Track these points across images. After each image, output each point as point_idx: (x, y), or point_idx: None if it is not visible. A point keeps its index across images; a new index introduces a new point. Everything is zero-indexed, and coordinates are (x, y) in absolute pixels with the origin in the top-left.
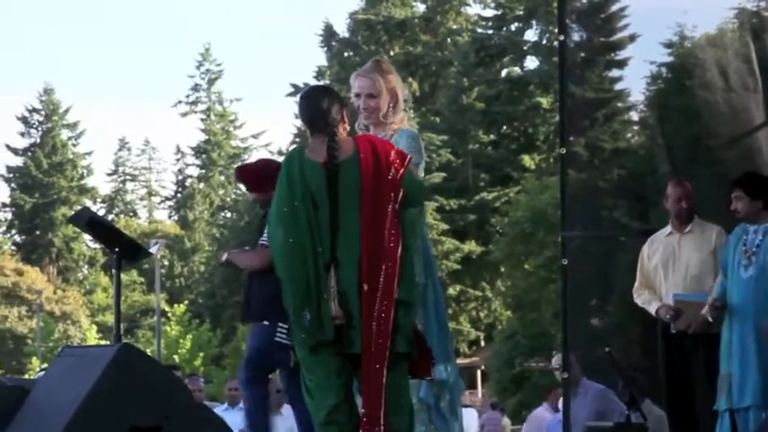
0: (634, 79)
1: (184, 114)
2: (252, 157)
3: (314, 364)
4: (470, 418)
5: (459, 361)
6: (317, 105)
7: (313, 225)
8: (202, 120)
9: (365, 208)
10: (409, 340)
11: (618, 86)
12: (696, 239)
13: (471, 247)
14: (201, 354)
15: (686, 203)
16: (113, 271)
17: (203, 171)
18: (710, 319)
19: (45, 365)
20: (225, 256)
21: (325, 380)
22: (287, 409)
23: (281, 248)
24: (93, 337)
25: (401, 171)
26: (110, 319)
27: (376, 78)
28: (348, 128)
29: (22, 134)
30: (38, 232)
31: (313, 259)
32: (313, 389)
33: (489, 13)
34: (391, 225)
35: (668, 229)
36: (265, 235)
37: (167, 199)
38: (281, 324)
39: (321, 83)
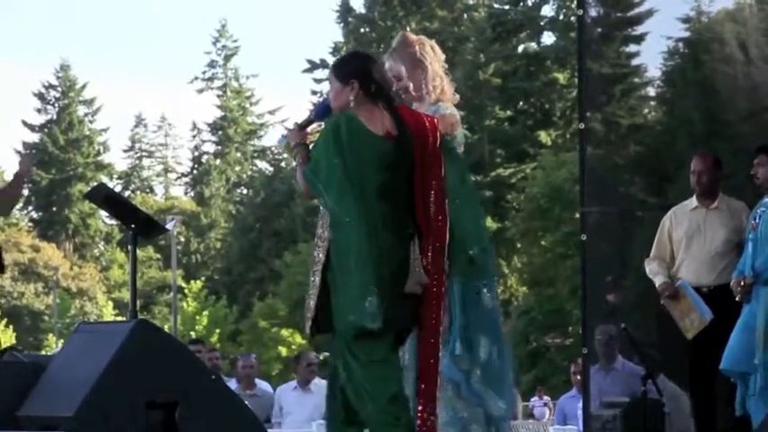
0: (651, 54)
1: (201, 91)
2: (268, 134)
3: (376, 344)
4: None
5: None
6: (385, 72)
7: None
8: (219, 96)
9: (417, 180)
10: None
11: (635, 62)
12: (722, 216)
13: (487, 223)
14: (218, 330)
15: (705, 177)
16: (129, 247)
17: (219, 147)
18: (737, 299)
19: (62, 342)
20: None
21: (387, 362)
22: (316, 386)
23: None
24: (109, 314)
25: (438, 139)
26: (126, 295)
27: (395, 58)
28: None
29: (39, 110)
30: (54, 208)
31: (395, 232)
32: (375, 371)
33: None
34: (437, 198)
35: (694, 203)
36: None
37: (183, 175)
38: None
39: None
